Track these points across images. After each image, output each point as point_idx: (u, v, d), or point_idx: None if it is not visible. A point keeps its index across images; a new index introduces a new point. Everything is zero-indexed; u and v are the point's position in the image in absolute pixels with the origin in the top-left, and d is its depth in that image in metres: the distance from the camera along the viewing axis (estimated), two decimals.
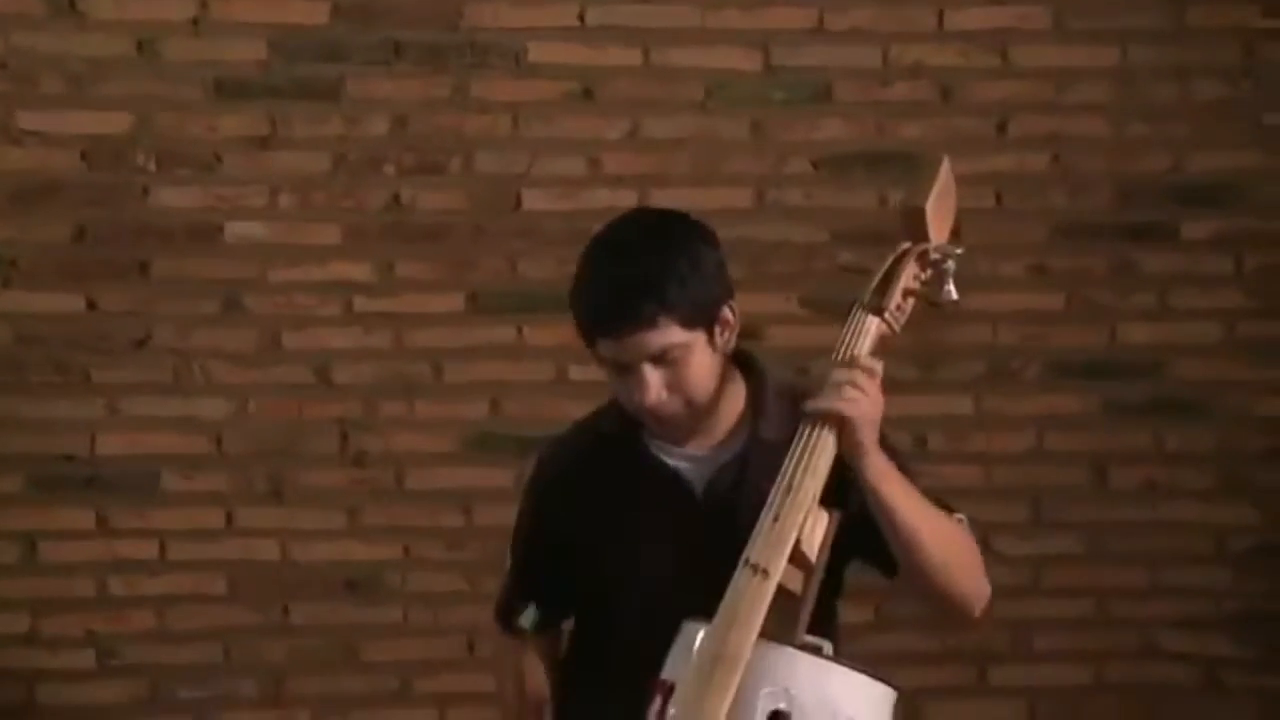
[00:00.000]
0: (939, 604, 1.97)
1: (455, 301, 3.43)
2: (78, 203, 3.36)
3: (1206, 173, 3.50)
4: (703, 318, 1.92)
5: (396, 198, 3.41)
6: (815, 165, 3.47)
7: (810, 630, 1.88)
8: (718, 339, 1.95)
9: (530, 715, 2.10)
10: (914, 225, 1.96)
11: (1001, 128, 3.49)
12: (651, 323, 1.88)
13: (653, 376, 1.90)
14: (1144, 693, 3.49)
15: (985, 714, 3.49)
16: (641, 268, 1.90)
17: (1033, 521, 3.40)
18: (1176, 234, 3.51)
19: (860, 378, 1.85)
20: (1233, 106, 3.50)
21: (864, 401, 1.85)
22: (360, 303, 3.41)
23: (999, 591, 3.50)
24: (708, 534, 1.88)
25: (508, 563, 2.13)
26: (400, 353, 3.42)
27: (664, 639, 1.84)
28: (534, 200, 3.42)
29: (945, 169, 2.00)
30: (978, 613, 2.00)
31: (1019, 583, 3.39)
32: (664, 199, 3.07)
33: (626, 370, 1.92)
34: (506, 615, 2.11)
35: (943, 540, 1.92)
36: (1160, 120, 3.50)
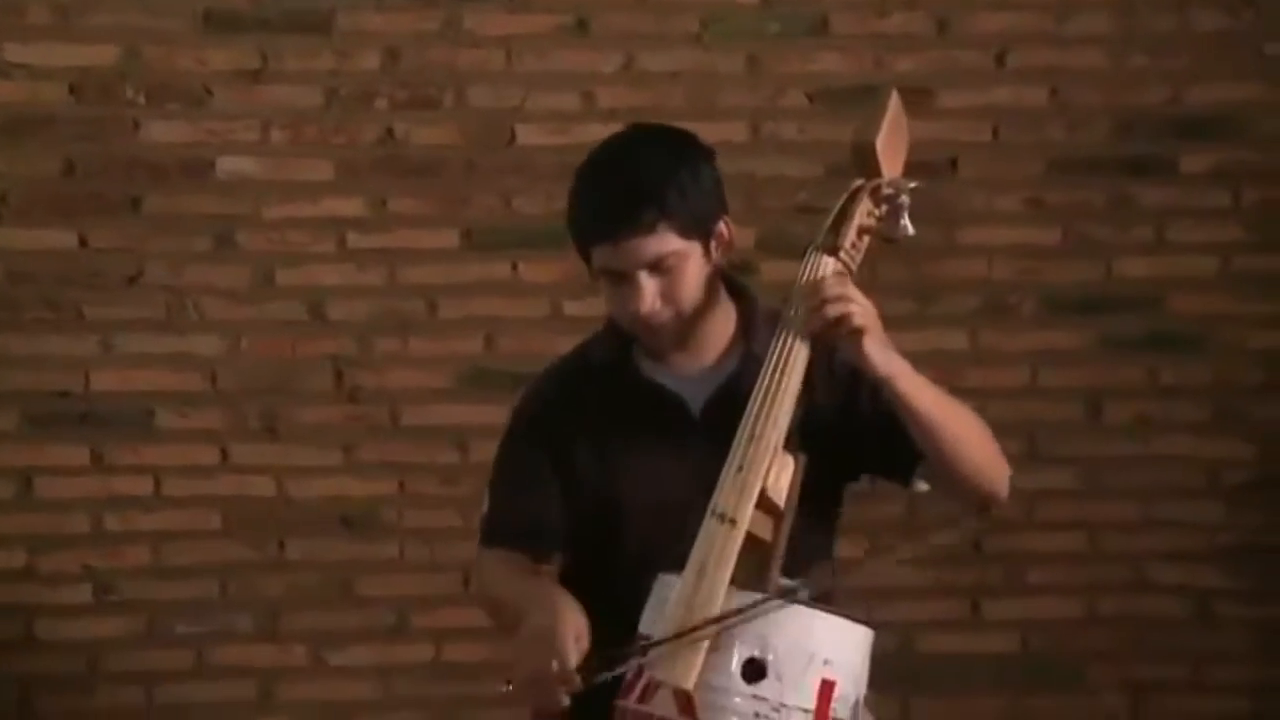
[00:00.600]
0: (968, 491, 1.97)
1: (449, 237, 3.41)
2: (67, 137, 3.33)
3: (1206, 105, 3.47)
4: (699, 229, 1.94)
5: (389, 132, 3.38)
6: (811, 99, 3.44)
7: (807, 563, 1.88)
8: (713, 252, 1.97)
9: (533, 581, 1.99)
10: (865, 161, 1.95)
11: (1000, 60, 3.46)
12: (650, 229, 1.90)
13: (648, 284, 1.92)
14: (1136, 625, 3.50)
15: (978, 647, 3.50)
16: (642, 175, 1.91)
17: (1027, 456, 3.39)
18: (1175, 167, 3.49)
19: (841, 287, 1.87)
20: (1233, 37, 3.46)
21: (857, 308, 1.86)
22: (353, 239, 3.39)
23: (993, 526, 3.51)
24: (706, 453, 1.88)
25: (485, 502, 2.11)
26: (394, 289, 3.40)
27: (665, 563, 1.84)
28: (528, 135, 3.39)
29: (895, 102, 1.98)
30: (1005, 493, 1.99)
31: (1012, 517, 3.38)
32: None
33: (621, 279, 1.93)
34: (489, 539, 2.08)
35: (964, 427, 1.94)
36: (1160, 52, 3.47)
